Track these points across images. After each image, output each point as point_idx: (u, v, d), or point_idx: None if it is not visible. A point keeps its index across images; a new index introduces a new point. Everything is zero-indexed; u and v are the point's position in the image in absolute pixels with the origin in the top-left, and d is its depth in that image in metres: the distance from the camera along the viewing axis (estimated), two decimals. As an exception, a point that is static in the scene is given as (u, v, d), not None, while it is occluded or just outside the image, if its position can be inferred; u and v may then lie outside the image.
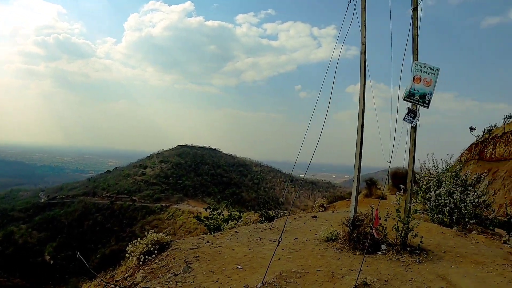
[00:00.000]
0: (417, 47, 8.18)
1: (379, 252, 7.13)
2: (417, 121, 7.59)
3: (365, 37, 8.22)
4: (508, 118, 50.26)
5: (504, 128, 48.22)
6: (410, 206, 7.56)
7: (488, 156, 50.90)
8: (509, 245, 9.51)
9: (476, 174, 13.92)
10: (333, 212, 15.60)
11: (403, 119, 7.57)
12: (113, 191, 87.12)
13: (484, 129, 61.12)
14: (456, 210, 11.04)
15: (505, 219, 13.54)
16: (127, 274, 7.21)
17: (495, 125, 55.44)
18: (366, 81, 8.02)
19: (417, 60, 7.95)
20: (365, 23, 8.27)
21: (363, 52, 8.16)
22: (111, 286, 6.69)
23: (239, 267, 6.09)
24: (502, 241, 9.98)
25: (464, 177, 11.90)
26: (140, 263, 7.34)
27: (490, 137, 53.77)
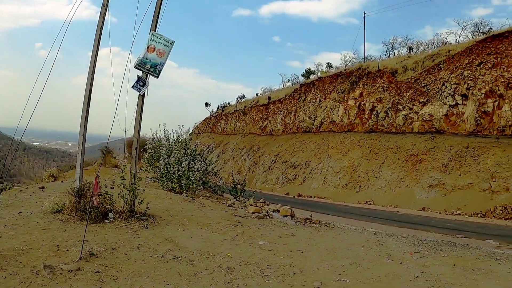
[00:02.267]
0: (157, 18, 8.21)
1: (107, 221, 6.98)
2: (146, 90, 7.68)
3: (108, -1, 7.73)
4: (240, 98, 58.92)
5: (236, 106, 56.52)
6: (135, 173, 7.67)
7: (221, 130, 58.70)
8: (233, 208, 11.03)
9: (207, 145, 15.59)
10: (62, 182, 14.48)
11: (132, 87, 7.52)
12: None
13: (218, 106, 69.43)
14: (185, 178, 12.00)
15: (232, 185, 15.66)
16: None
17: (229, 103, 63.98)
18: (100, 45, 7.63)
19: (155, 31, 8.00)
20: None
21: (103, 14, 7.69)
22: None
23: None
24: (227, 205, 11.49)
25: (193, 147, 13.04)
26: None
27: (223, 113, 61.65)
